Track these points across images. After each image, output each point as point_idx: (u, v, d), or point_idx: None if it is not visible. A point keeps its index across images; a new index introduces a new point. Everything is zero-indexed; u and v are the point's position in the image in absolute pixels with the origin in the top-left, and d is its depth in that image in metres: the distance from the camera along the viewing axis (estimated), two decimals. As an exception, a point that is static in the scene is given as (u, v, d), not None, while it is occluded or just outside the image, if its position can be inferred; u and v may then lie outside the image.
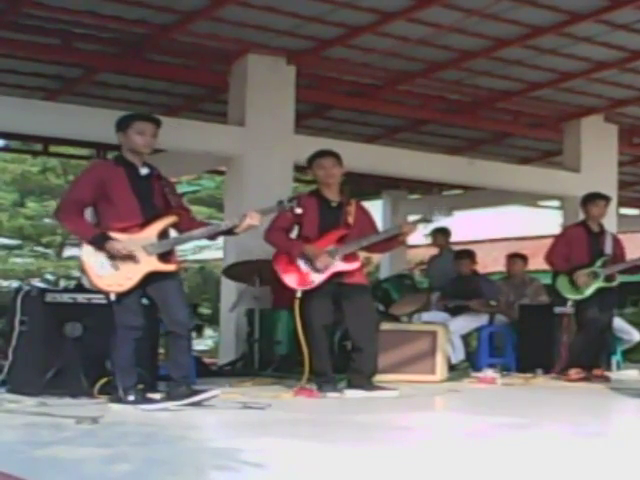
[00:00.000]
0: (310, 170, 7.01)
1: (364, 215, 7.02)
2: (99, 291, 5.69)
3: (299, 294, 6.65)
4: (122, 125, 5.76)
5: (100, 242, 5.55)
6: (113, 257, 5.55)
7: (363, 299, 6.84)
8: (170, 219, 5.74)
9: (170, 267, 5.70)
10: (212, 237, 6.05)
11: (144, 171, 5.76)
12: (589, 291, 8.34)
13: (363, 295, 6.87)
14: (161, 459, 3.84)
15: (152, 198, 5.73)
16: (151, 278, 5.62)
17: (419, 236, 12.03)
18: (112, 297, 5.55)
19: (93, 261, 5.55)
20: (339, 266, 6.72)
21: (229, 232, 5.97)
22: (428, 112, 11.64)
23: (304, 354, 6.62)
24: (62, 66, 10.32)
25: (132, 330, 5.61)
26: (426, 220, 6.98)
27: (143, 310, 5.71)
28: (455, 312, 9.85)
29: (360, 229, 6.85)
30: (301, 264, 6.69)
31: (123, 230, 5.60)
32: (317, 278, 6.67)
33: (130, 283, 5.56)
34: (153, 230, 5.67)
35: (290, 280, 6.71)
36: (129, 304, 5.59)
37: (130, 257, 5.55)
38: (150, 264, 5.61)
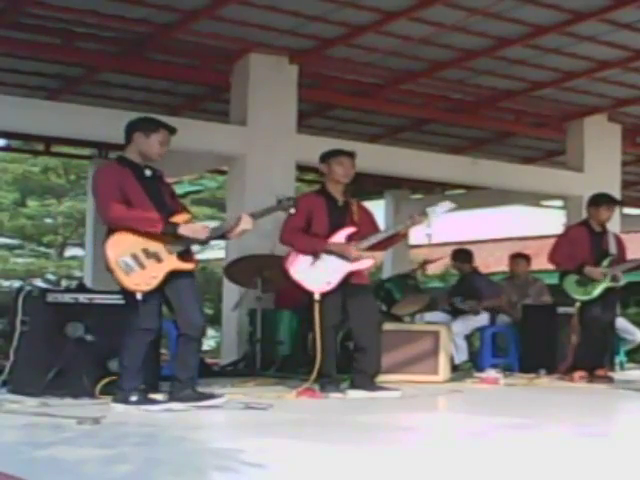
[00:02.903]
0: (325, 165, 6.93)
1: (366, 214, 7.02)
2: (125, 290, 5.57)
3: (317, 297, 6.58)
4: (147, 127, 5.74)
5: (172, 230, 5.54)
6: (137, 256, 5.50)
7: (366, 299, 6.82)
8: (186, 217, 5.74)
9: (189, 266, 5.70)
10: (206, 242, 5.94)
11: (148, 172, 5.76)
12: (597, 292, 8.26)
13: (366, 295, 6.85)
14: (162, 459, 3.83)
15: (162, 198, 5.73)
16: (168, 278, 5.60)
17: (421, 236, 12.03)
18: (139, 296, 5.49)
19: (119, 259, 5.49)
20: (353, 265, 6.69)
21: (222, 237, 5.96)
22: (431, 111, 11.63)
23: (317, 355, 6.53)
24: (63, 65, 10.30)
25: (149, 333, 5.60)
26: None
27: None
28: (457, 313, 9.82)
29: (364, 228, 6.84)
30: (318, 264, 6.65)
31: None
32: (334, 279, 6.63)
33: (155, 282, 5.53)
34: None
35: (307, 283, 6.65)
36: (151, 306, 5.56)
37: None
38: (172, 263, 5.60)
